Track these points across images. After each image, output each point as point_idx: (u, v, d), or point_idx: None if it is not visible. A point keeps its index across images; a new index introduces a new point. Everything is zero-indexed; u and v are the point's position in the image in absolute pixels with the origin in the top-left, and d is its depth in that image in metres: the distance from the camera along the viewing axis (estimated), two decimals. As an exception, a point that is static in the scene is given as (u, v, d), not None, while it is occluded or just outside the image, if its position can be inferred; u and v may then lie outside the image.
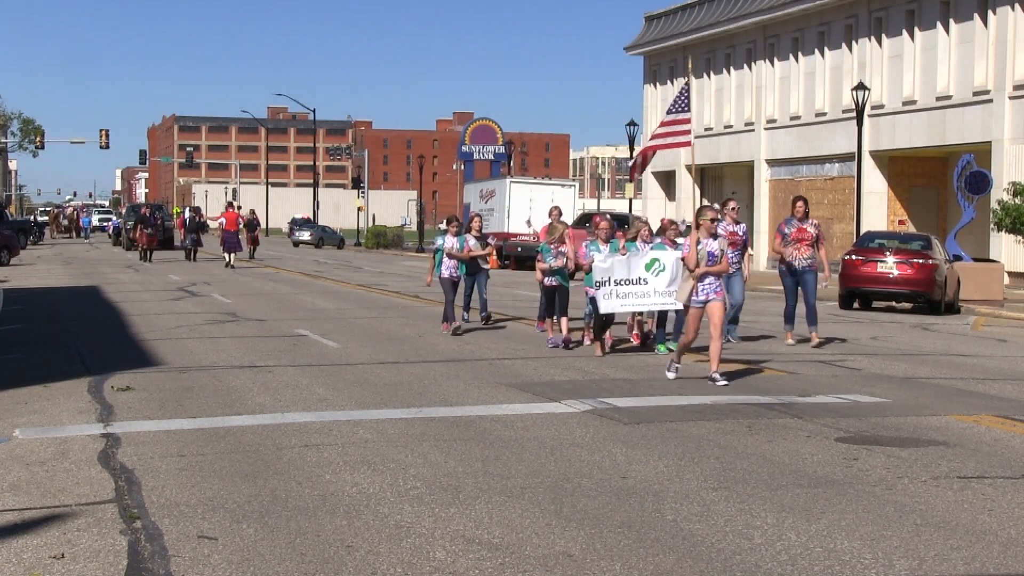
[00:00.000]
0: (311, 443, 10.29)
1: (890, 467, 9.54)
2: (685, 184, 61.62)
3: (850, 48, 48.93)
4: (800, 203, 19.89)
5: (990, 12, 41.62)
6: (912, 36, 45.55)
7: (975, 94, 42.20)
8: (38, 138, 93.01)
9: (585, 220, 45.14)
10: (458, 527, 7.58)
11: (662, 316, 17.90)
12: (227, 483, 8.75)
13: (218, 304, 26.65)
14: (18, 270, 42.40)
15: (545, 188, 51.06)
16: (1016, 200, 34.11)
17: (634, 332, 18.70)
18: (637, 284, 16.64)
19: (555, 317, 18.95)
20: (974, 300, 30.80)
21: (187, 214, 57.69)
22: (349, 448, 10.08)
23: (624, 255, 16.81)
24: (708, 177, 61.59)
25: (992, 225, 36.01)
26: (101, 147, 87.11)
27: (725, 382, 13.96)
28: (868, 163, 46.08)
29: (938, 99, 43.97)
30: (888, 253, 28.03)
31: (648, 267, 16.71)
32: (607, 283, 16.61)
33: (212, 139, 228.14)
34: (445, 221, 21.53)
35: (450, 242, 20.84)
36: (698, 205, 15.06)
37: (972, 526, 7.74)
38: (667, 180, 63.61)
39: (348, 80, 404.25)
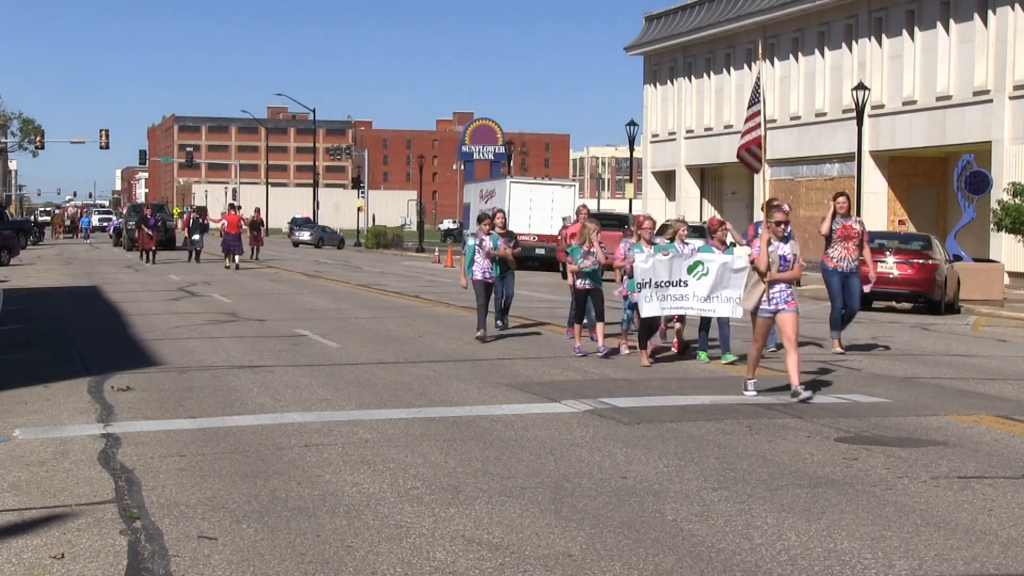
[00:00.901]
0: (311, 443, 10.29)
1: (890, 467, 9.54)
2: (685, 184, 61.66)
3: (850, 48, 48.95)
4: (842, 199, 18.69)
5: (990, 12, 41.64)
6: (912, 36, 45.57)
7: (975, 94, 42.21)
8: (38, 138, 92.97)
9: (586, 220, 45.12)
10: (458, 527, 7.58)
11: (705, 320, 16.88)
12: (227, 483, 8.75)
13: (218, 304, 26.65)
14: (18, 270, 42.39)
15: (545, 188, 51.01)
16: (1016, 200, 34.11)
17: (674, 340, 17.72)
18: (677, 286, 15.87)
19: (584, 323, 17.78)
20: (974, 300, 30.80)
21: (190, 215, 56.35)
22: (349, 448, 10.08)
23: (667, 256, 15.96)
24: (708, 177, 61.62)
25: (992, 225, 36.01)
26: (101, 147, 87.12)
27: (809, 394, 12.80)
28: (868, 163, 46.10)
29: (938, 99, 43.98)
30: (888, 253, 28.01)
31: (691, 270, 15.88)
32: (648, 285, 15.79)
33: (212, 139, 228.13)
34: (476, 219, 20.40)
35: (484, 240, 19.63)
36: (764, 200, 13.94)
37: (972, 526, 7.74)
38: (667, 180, 63.63)
39: (348, 80, 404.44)
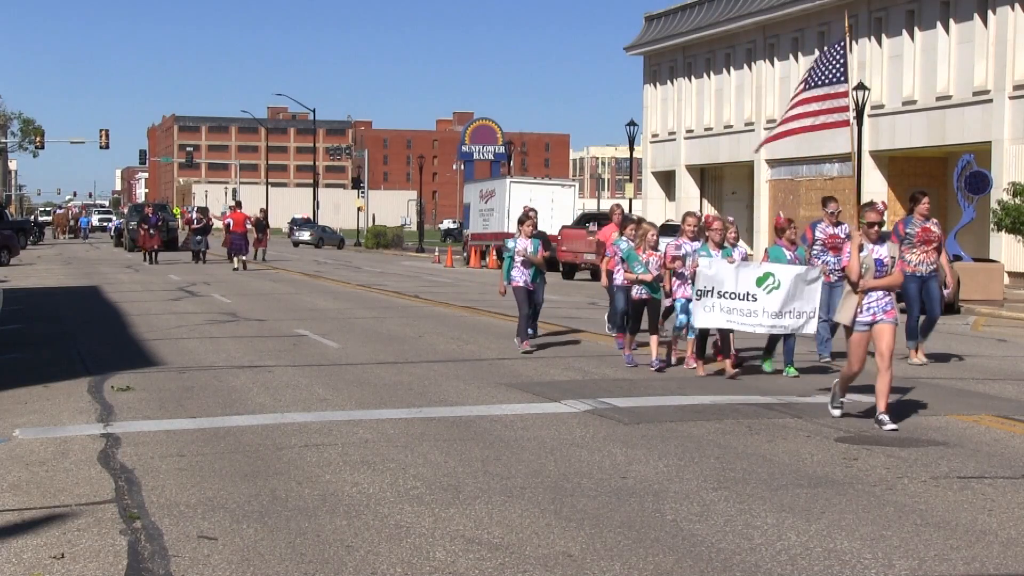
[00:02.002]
0: (311, 443, 10.29)
1: (890, 467, 9.54)
2: (685, 184, 61.63)
3: (850, 48, 48.90)
4: (925, 200, 17.06)
5: (990, 12, 41.63)
6: (912, 36, 45.56)
7: (975, 94, 42.20)
8: (38, 138, 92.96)
9: (585, 220, 45.08)
10: (458, 527, 7.58)
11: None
12: (227, 483, 8.76)
13: (218, 304, 26.65)
14: (18, 270, 42.39)
15: (545, 188, 50.99)
16: (1016, 200, 34.10)
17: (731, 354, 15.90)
18: (744, 300, 14.56)
19: (628, 331, 16.65)
20: (974, 300, 30.79)
21: (194, 214, 55.02)
22: (349, 448, 10.08)
23: (732, 263, 14.77)
24: (708, 177, 61.60)
25: (992, 225, 36.00)
26: (101, 147, 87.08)
27: (894, 427, 11.28)
28: (868, 163, 46.11)
29: (938, 99, 43.97)
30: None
31: (760, 282, 14.57)
32: (710, 293, 14.60)
33: (212, 139, 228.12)
34: (518, 220, 18.81)
35: (523, 244, 18.12)
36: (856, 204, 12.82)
37: (972, 526, 7.74)
38: (667, 180, 63.61)
39: (348, 80, 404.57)
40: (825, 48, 17.44)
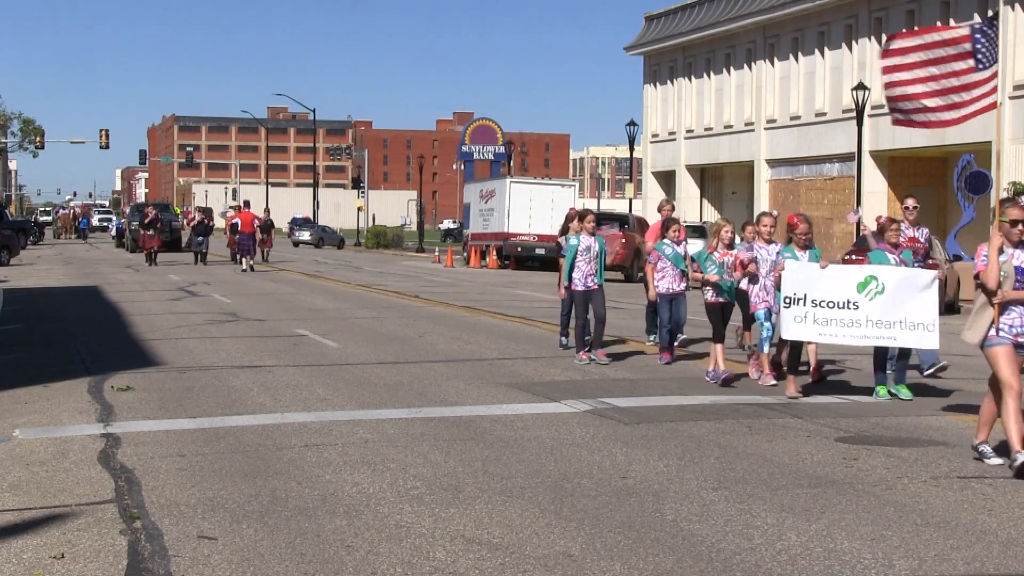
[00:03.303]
0: (311, 443, 10.29)
1: (890, 467, 9.54)
2: (685, 184, 61.64)
3: (850, 48, 48.95)
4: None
5: (990, 12, 41.62)
6: (912, 36, 45.57)
7: (975, 94, 42.20)
8: (38, 138, 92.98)
9: (583, 220, 45.03)
10: (458, 527, 7.58)
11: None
12: (227, 483, 8.76)
13: (218, 304, 26.65)
14: (18, 270, 42.39)
15: (545, 188, 51.02)
16: (1018, 200, 34.09)
17: (813, 366, 14.47)
18: (844, 309, 12.68)
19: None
20: (974, 300, 30.77)
21: (196, 215, 53.86)
22: (349, 448, 10.08)
23: (825, 266, 12.99)
24: (708, 177, 61.61)
25: (992, 225, 36.01)
26: (101, 147, 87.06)
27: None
28: (868, 163, 46.10)
29: (938, 99, 43.97)
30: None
31: (862, 287, 12.71)
32: (801, 301, 12.72)
33: (212, 139, 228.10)
34: (578, 217, 17.24)
35: (587, 243, 16.61)
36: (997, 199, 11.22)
37: (972, 526, 7.74)
38: (667, 180, 63.61)
39: (348, 80, 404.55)
40: (975, 25, 16.10)
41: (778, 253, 13.75)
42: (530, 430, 11.01)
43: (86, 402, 12.55)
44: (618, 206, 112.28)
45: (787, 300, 12.85)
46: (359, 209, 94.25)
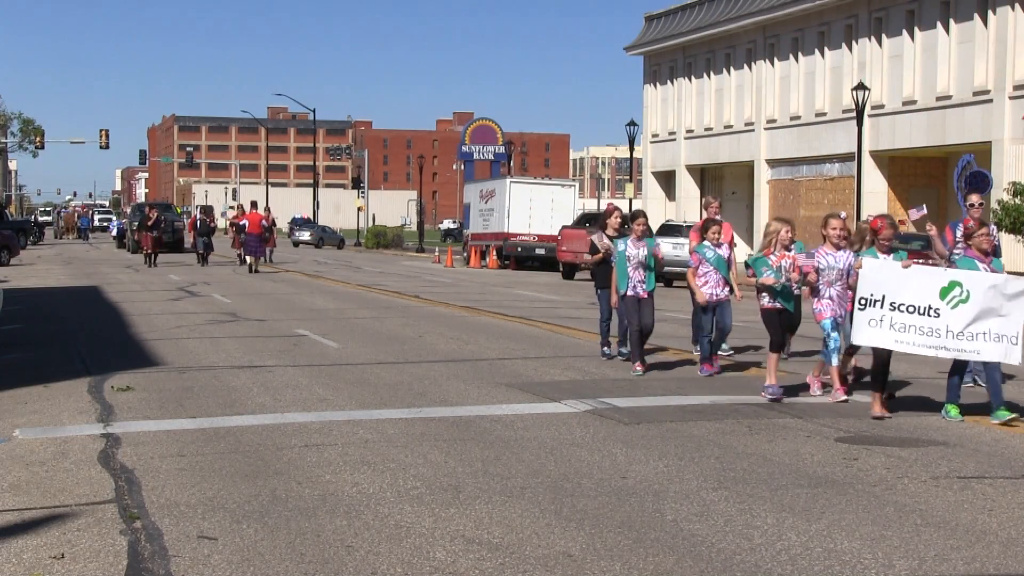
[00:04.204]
0: (311, 443, 10.29)
1: (890, 467, 9.54)
2: (685, 184, 61.64)
3: (850, 48, 48.96)
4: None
5: (990, 12, 41.65)
6: (912, 36, 45.57)
7: (975, 94, 42.22)
8: (38, 138, 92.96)
9: (585, 220, 45.04)
10: (458, 527, 7.58)
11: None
12: (227, 483, 8.75)
13: (218, 304, 26.64)
14: (18, 270, 42.39)
15: (545, 188, 51.03)
16: (1016, 200, 34.13)
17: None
18: (924, 315, 11.63)
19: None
20: None
21: (197, 215, 51.86)
22: (349, 448, 10.08)
23: (907, 266, 11.86)
24: (708, 177, 61.61)
25: (992, 225, 36.03)
26: (101, 147, 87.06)
27: None
28: (868, 163, 46.12)
29: (938, 99, 43.99)
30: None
31: (944, 293, 11.68)
32: (879, 303, 11.71)
33: (212, 139, 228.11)
34: (632, 216, 16.00)
35: (635, 248, 15.45)
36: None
37: (972, 526, 7.74)
38: (667, 180, 63.63)
39: (348, 80, 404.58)
40: None
41: (855, 256, 12.46)
42: (530, 430, 11.01)
43: (86, 402, 12.55)
44: (617, 206, 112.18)
45: (862, 302, 11.77)
46: (359, 209, 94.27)
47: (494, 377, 14.74)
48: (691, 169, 61.44)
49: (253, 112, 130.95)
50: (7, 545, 7.16)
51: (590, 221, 44.58)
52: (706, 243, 15.54)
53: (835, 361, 12.84)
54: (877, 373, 12.02)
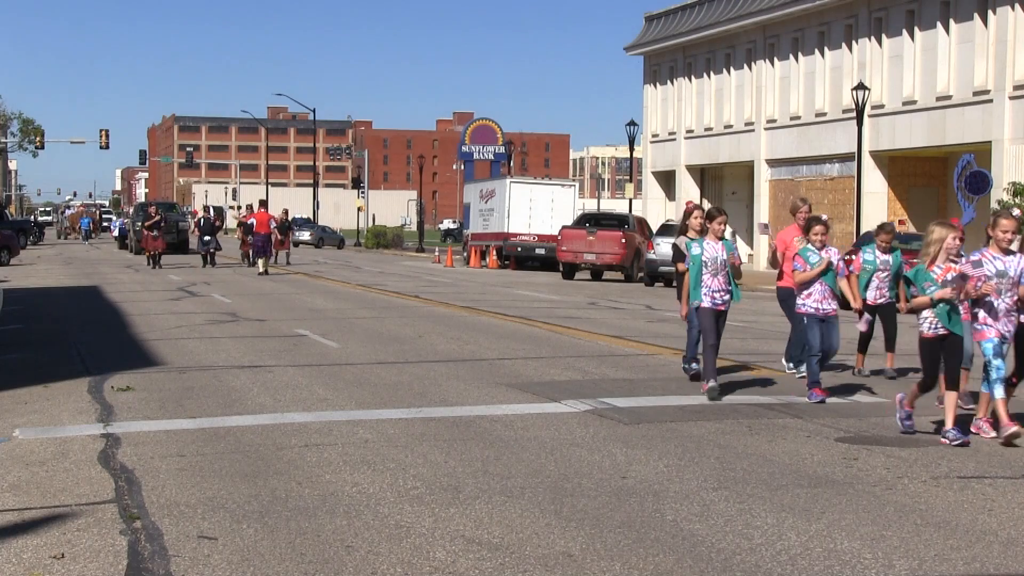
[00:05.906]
0: (311, 443, 10.29)
1: (890, 467, 9.54)
2: (685, 184, 61.61)
3: (850, 48, 48.94)
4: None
5: (990, 12, 41.64)
6: (912, 36, 45.56)
7: (975, 94, 42.21)
8: (38, 138, 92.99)
9: (585, 220, 45.03)
10: (458, 527, 7.58)
11: None
12: (227, 483, 8.75)
13: (218, 304, 26.65)
14: (18, 270, 42.39)
15: (545, 188, 51.04)
16: (1016, 200, 34.12)
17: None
18: None
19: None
20: None
21: (202, 215, 50.78)
22: (349, 448, 10.08)
23: None
24: (708, 177, 61.59)
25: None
26: (101, 147, 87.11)
27: None
28: (868, 163, 46.11)
29: (938, 99, 43.98)
30: (888, 253, 27.96)
31: None
32: None
33: (212, 139, 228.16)
34: (709, 214, 13.69)
35: (712, 251, 13.27)
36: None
37: (972, 526, 7.74)
38: (667, 180, 63.61)
39: (348, 80, 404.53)
40: None
41: None
42: (530, 430, 11.01)
43: (86, 402, 12.55)
44: (618, 206, 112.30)
45: None
46: (359, 209, 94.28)
47: (494, 377, 14.74)
48: (691, 169, 61.42)
49: (253, 112, 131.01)
50: (7, 545, 7.16)
51: (590, 221, 44.61)
52: (810, 247, 13.34)
53: (1000, 393, 10.52)
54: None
